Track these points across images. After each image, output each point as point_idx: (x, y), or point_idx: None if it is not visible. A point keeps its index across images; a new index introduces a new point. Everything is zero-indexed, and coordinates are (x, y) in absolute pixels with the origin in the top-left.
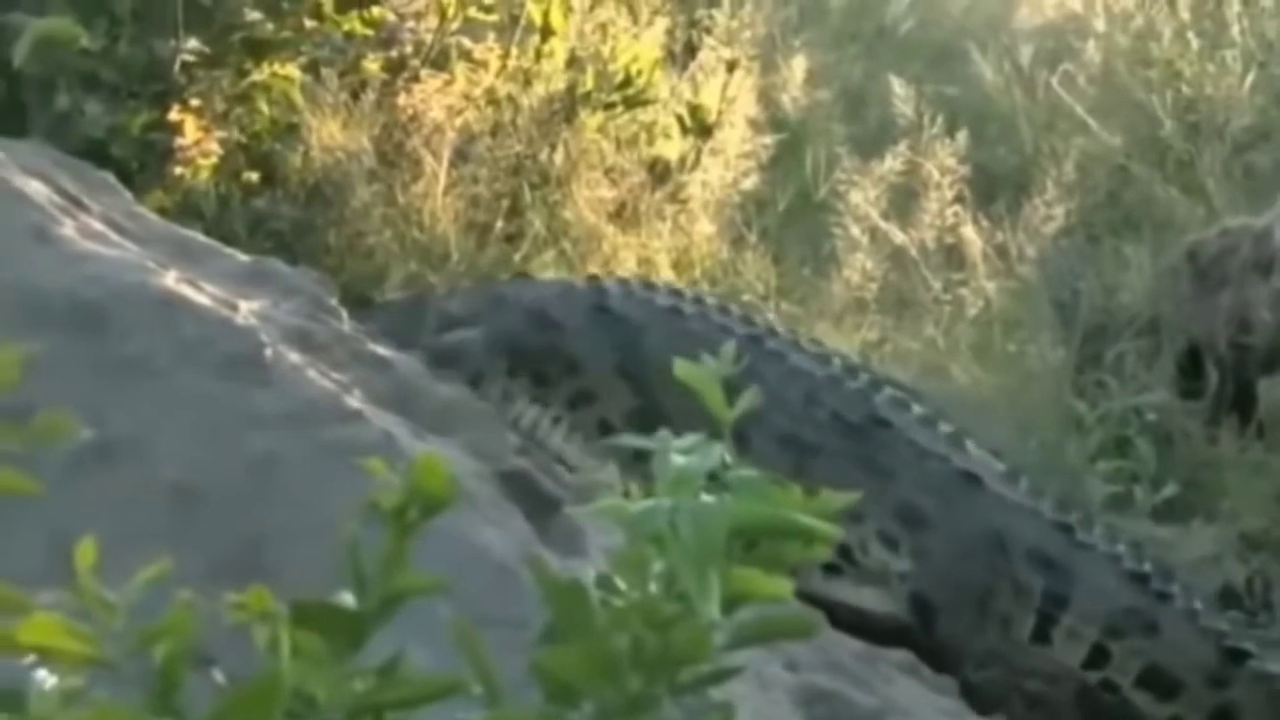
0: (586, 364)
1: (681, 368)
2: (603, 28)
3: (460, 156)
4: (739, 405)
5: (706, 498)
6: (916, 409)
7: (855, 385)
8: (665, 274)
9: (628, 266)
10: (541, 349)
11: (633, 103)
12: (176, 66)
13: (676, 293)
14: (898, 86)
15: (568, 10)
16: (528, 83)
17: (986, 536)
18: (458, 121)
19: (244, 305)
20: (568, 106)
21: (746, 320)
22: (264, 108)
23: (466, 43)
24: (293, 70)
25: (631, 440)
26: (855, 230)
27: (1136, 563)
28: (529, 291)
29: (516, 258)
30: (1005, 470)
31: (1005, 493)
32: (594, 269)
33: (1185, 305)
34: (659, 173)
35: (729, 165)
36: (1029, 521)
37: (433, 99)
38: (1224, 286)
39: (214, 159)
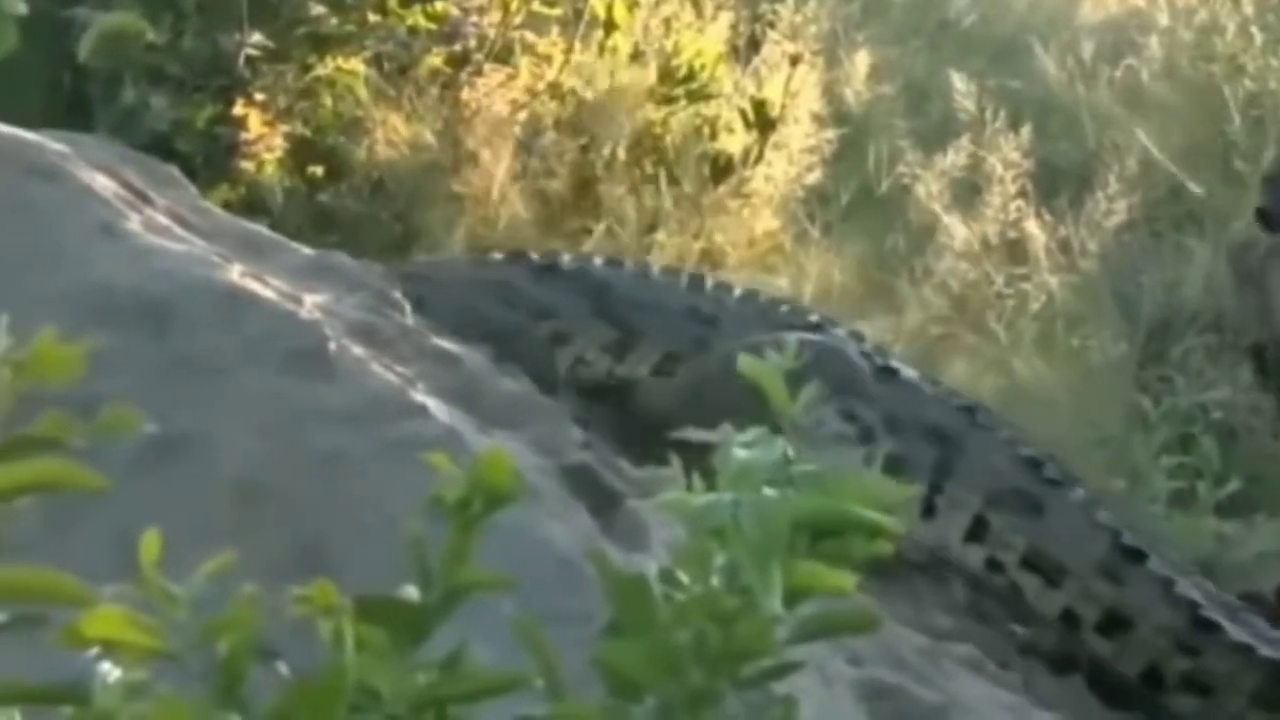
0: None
1: (745, 362)
2: (666, 22)
3: (523, 150)
4: (801, 399)
5: (769, 491)
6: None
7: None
8: (728, 268)
9: (690, 261)
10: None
11: (696, 97)
12: (241, 61)
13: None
14: (960, 81)
15: (632, 4)
16: (591, 77)
17: None
18: (521, 116)
19: (308, 299)
20: (632, 101)
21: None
22: (328, 102)
23: (530, 37)
24: (357, 65)
25: (694, 434)
26: (919, 225)
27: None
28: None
29: (580, 251)
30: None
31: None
32: (656, 261)
33: (1237, 301)
34: (722, 167)
35: (792, 160)
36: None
37: (496, 93)
38: (1259, 281)
39: (278, 153)
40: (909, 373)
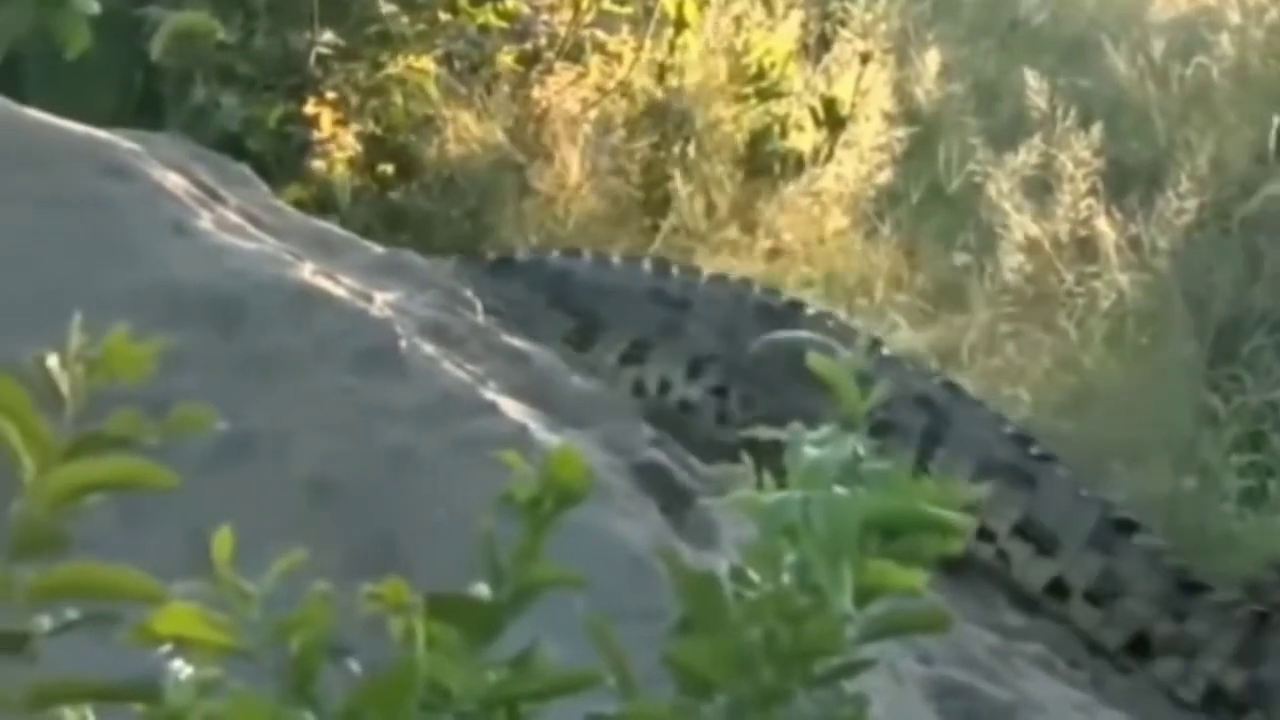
0: None
1: (815, 361)
2: (737, 20)
3: (593, 149)
4: (870, 399)
5: (840, 490)
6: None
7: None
8: (798, 265)
9: (759, 258)
10: None
11: (766, 95)
12: (312, 59)
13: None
14: (1031, 79)
15: (702, 2)
16: (662, 76)
17: None
18: (591, 114)
19: (379, 297)
20: (701, 99)
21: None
22: (399, 100)
23: (600, 35)
24: (428, 63)
25: (765, 432)
26: (989, 223)
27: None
28: None
29: (650, 248)
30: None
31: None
32: (726, 260)
33: None
34: (792, 165)
35: (862, 158)
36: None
37: (567, 91)
38: None
39: (349, 152)
40: (889, 351)
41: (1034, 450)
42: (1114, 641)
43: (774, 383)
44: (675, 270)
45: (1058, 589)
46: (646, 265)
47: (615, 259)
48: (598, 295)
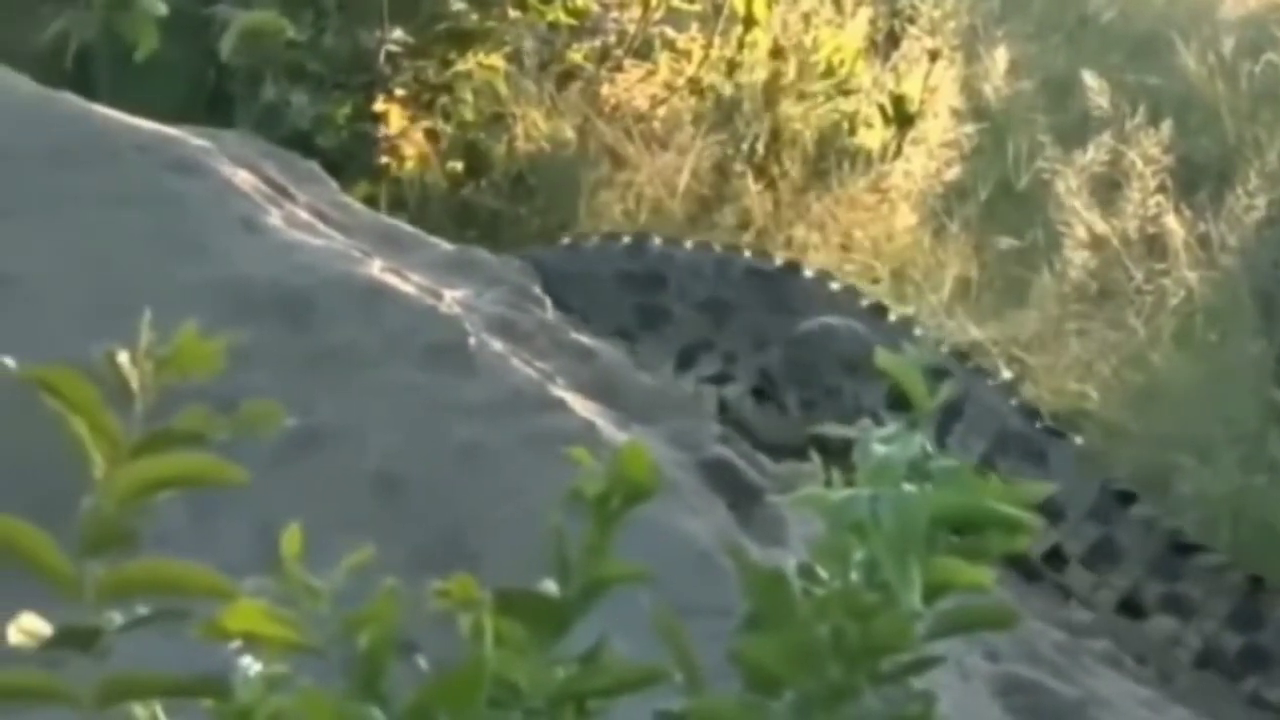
0: None
1: (883, 357)
2: (806, 17)
3: (663, 146)
4: (940, 395)
5: (908, 487)
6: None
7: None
8: (866, 262)
9: (828, 255)
10: None
11: (835, 93)
12: (382, 57)
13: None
14: (1090, 80)
15: (771, 0)
16: (730, 73)
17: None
18: (660, 111)
19: (448, 294)
20: (770, 96)
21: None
22: (468, 98)
23: (670, 32)
24: (497, 60)
25: (833, 429)
26: (1058, 220)
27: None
28: None
29: (719, 246)
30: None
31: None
32: (794, 257)
33: None
34: (861, 162)
35: (931, 155)
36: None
37: (635, 89)
38: None
39: (419, 149)
40: (899, 313)
41: (1040, 424)
42: (1106, 603)
43: (799, 371)
44: (654, 244)
45: (1056, 556)
46: (619, 243)
47: (589, 242)
48: (565, 286)
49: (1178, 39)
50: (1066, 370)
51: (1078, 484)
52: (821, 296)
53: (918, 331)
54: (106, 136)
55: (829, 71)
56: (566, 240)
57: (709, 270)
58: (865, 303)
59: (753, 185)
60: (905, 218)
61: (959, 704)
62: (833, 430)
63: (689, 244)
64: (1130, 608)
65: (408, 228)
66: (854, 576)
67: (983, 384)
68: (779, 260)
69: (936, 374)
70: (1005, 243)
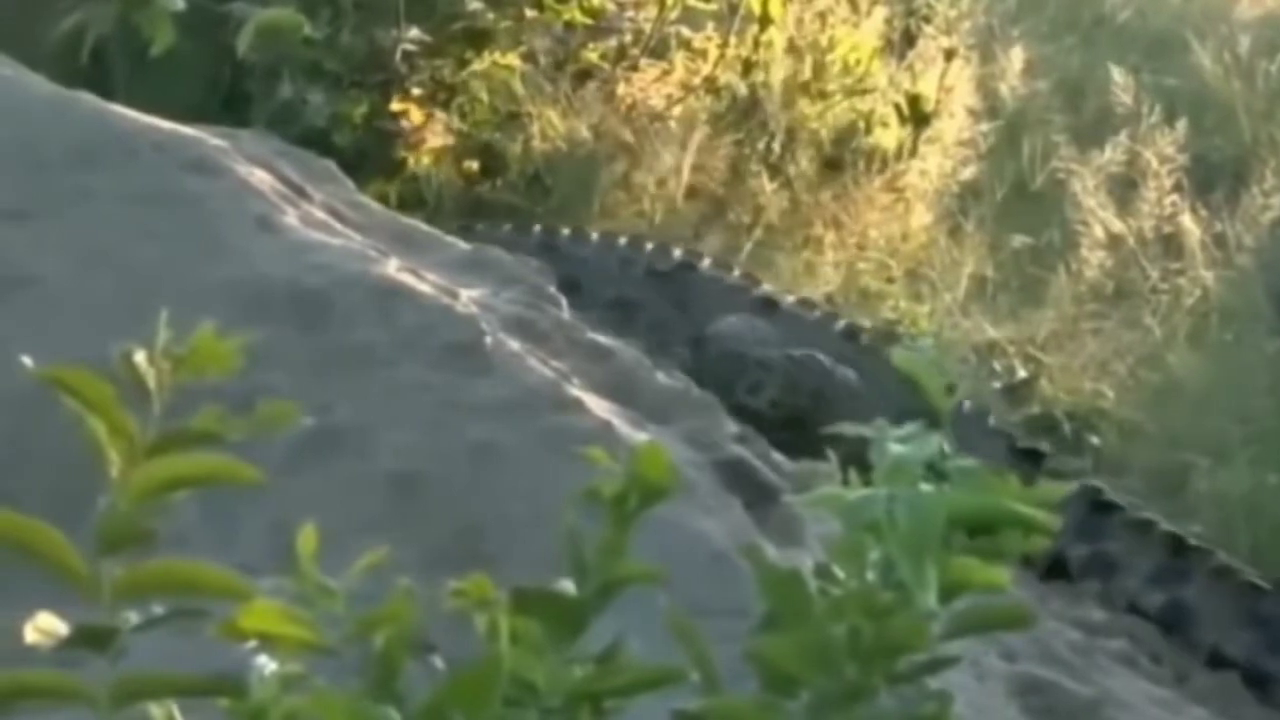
0: None
1: (899, 356)
2: (821, 17)
3: (678, 145)
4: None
5: (924, 487)
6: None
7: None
8: (882, 261)
9: (843, 254)
10: None
11: (851, 92)
12: (398, 56)
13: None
14: (1116, 76)
15: None
16: (746, 72)
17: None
18: (676, 111)
19: (464, 294)
20: (786, 95)
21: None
22: (484, 97)
23: (685, 32)
24: (513, 59)
25: (850, 428)
26: (1074, 219)
27: None
28: None
29: (734, 245)
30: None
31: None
32: (810, 256)
33: None
34: (876, 162)
35: (946, 154)
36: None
37: (651, 88)
38: None
39: (435, 148)
40: (789, 300)
41: None
42: (1035, 567)
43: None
44: (563, 235)
45: None
46: (531, 235)
47: (503, 232)
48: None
49: (1194, 39)
50: (1082, 370)
51: (983, 444)
52: (714, 289)
53: (815, 315)
54: (124, 136)
55: (844, 71)
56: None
57: (611, 266)
58: (759, 293)
59: (768, 184)
60: (921, 217)
61: (975, 704)
62: (850, 429)
63: (595, 238)
64: (1056, 570)
65: (424, 227)
66: (870, 576)
67: (873, 356)
68: (676, 256)
69: (840, 358)
70: (1020, 242)
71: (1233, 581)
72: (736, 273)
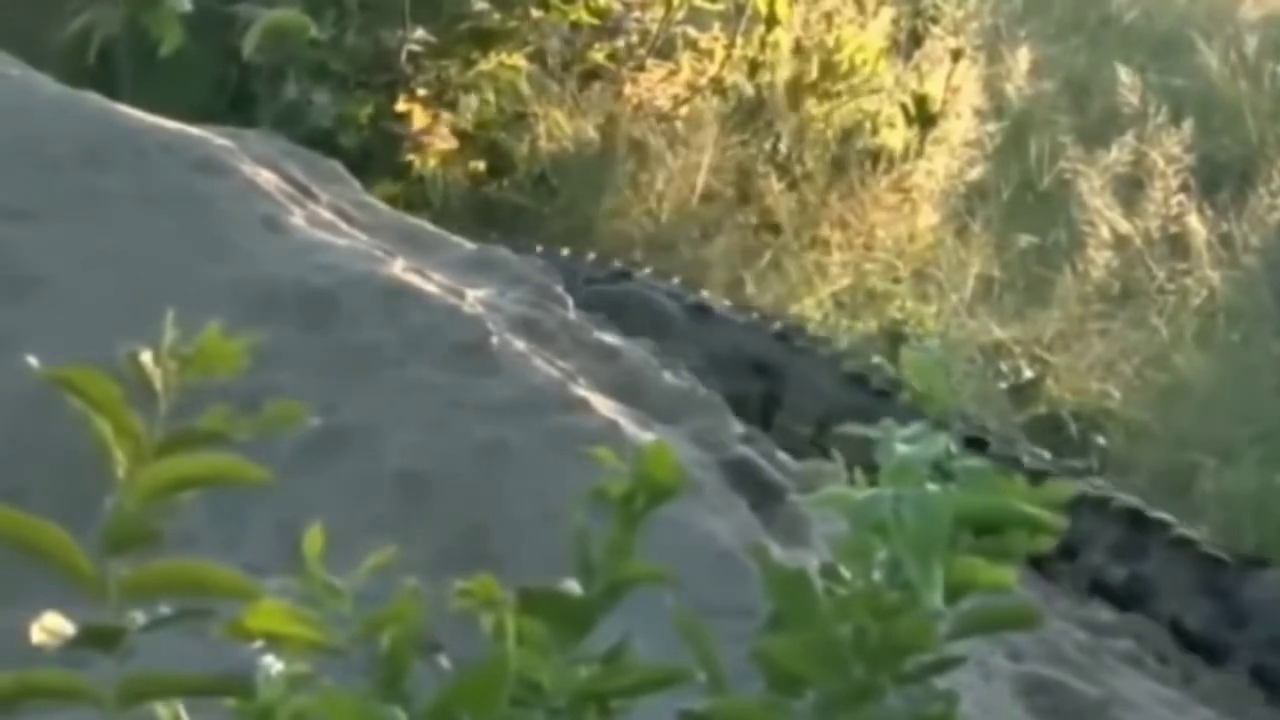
0: None
1: (908, 356)
2: (828, 17)
3: (685, 145)
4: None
5: (931, 487)
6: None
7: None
8: (889, 261)
9: (850, 254)
10: None
11: (857, 92)
12: (404, 56)
13: None
14: (1123, 76)
15: None
16: (753, 72)
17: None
18: (683, 111)
19: (471, 294)
20: (792, 96)
21: None
22: (490, 97)
23: (692, 32)
24: (519, 60)
25: (855, 429)
26: (1080, 220)
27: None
28: None
29: (741, 246)
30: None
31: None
32: (817, 257)
33: None
34: (883, 162)
35: (953, 155)
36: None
37: (658, 88)
38: None
39: (441, 148)
40: (722, 306)
41: (875, 385)
42: None
43: None
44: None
45: None
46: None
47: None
48: None
49: (1200, 39)
50: (1089, 370)
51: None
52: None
53: (748, 319)
54: (131, 136)
55: (851, 71)
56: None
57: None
58: (692, 300)
59: (775, 185)
60: (927, 217)
61: (982, 704)
62: (855, 430)
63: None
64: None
65: (430, 227)
66: (876, 576)
67: (807, 358)
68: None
69: (760, 369)
70: (1027, 242)
71: (1192, 553)
72: (674, 280)
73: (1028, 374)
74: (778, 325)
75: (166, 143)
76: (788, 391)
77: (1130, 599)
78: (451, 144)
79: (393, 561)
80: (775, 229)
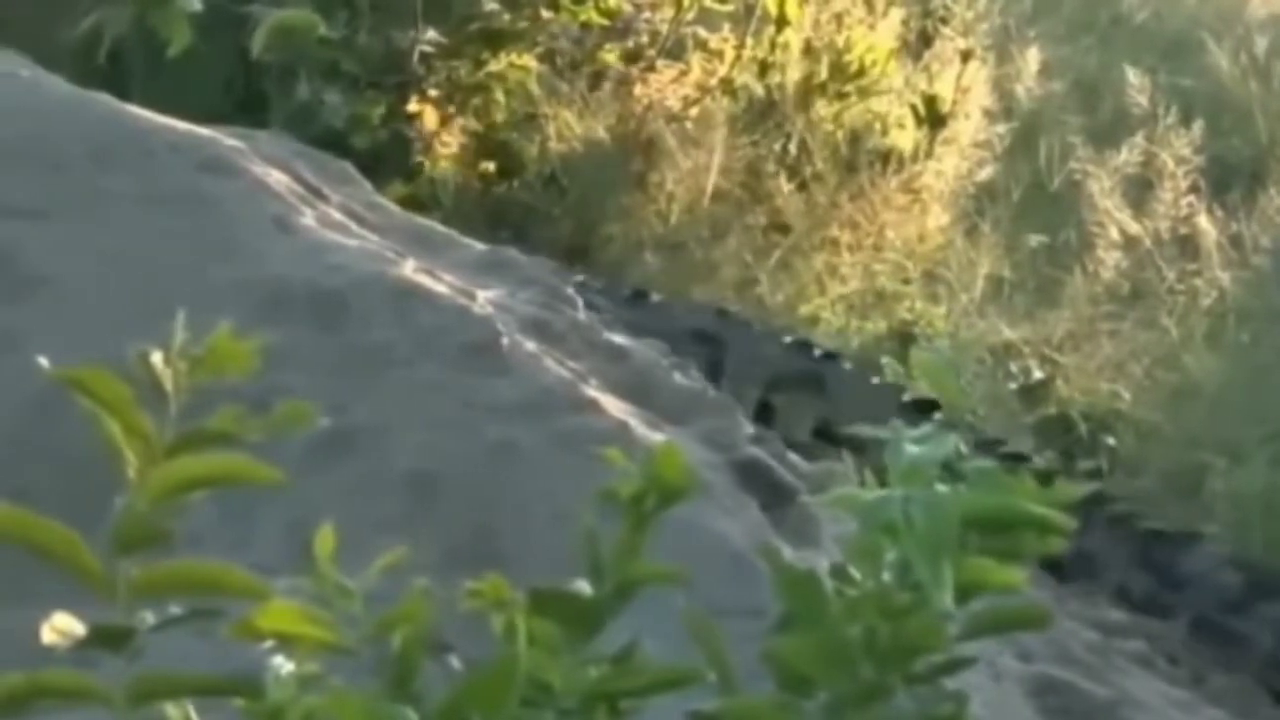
0: None
1: (917, 356)
2: (838, 18)
3: (695, 146)
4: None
5: (940, 487)
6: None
7: None
8: (899, 262)
9: (860, 255)
10: None
11: (867, 93)
12: (415, 57)
13: None
14: (1132, 77)
15: (803, 0)
16: (763, 73)
17: None
18: (693, 111)
19: (481, 294)
20: (802, 96)
21: None
22: (501, 98)
23: (702, 32)
24: (530, 61)
25: (864, 430)
26: (1090, 220)
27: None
28: None
29: (751, 246)
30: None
31: None
32: (827, 258)
33: None
34: (893, 163)
35: (963, 155)
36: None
37: (668, 89)
38: None
39: (452, 149)
40: (655, 299)
41: (817, 352)
42: None
43: None
44: None
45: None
46: None
47: None
48: None
49: (1210, 40)
50: (1099, 371)
51: (871, 403)
52: None
53: (680, 307)
54: (141, 137)
55: (861, 72)
56: None
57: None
58: (627, 293)
59: (785, 185)
60: (937, 218)
61: (991, 704)
62: (864, 430)
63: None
64: None
65: (440, 228)
66: (886, 577)
67: (747, 329)
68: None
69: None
70: (1037, 242)
71: (1132, 528)
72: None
73: (1037, 374)
74: (717, 307)
75: (175, 143)
76: (730, 359)
77: (1077, 572)
78: (461, 144)
79: (403, 562)
80: (785, 229)
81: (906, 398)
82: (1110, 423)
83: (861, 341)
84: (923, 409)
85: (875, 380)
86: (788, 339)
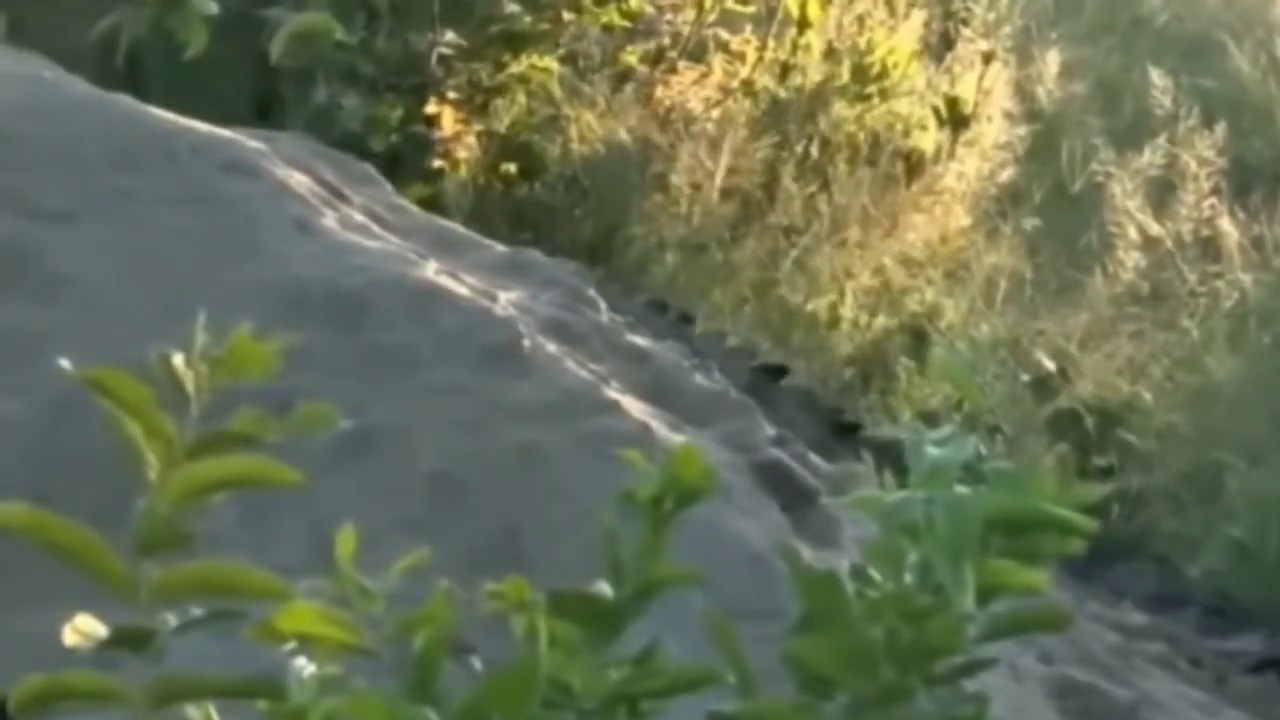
0: None
1: (936, 358)
2: (860, 19)
3: (716, 148)
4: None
5: (961, 489)
6: None
7: None
8: (920, 264)
9: (882, 258)
10: None
11: (889, 95)
12: (434, 59)
13: None
14: (1154, 78)
15: (825, 2)
16: (784, 75)
17: None
18: (714, 113)
19: (502, 296)
20: (824, 98)
21: None
22: (522, 100)
23: (724, 34)
24: (551, 62)
25: (885, 431)
26: (1111, 222)
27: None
28: None
29: (771, 248)
30: None
31: None
32: (848, 260)
33: None
34: (914, 164)
35: (984, 157)
36: None
37: (689, 91)
38: None
39: (472, 151)
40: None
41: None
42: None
43: None
44: None
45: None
46: None
47: None
48: None
49: (1231, 41)
50: (1119, 372)
51: (727, 363)
52: None
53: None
54: (162, 138)
55: (883, 74)
56: None
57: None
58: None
59: (806, 187)
60: (959, 220)
61: (1012, 706)
62: (885, 432)
63: None
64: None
65: (461, 230)
66: (907, 579)
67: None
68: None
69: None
70: (1059, 244)
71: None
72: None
73: (1049, 366)
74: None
75: (197, 144)
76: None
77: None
78: (481, 147)
79: (424, 563)
80: (805, 231)
81: (756, 363)
82: (1124, 418)
83: (874, 337)
84: (774, 373)
85: (733, 341)
86: (666, 319)
